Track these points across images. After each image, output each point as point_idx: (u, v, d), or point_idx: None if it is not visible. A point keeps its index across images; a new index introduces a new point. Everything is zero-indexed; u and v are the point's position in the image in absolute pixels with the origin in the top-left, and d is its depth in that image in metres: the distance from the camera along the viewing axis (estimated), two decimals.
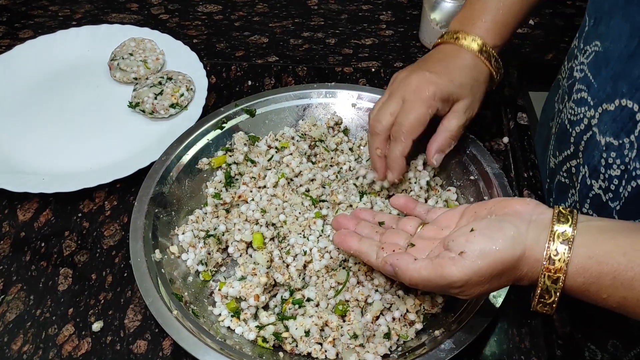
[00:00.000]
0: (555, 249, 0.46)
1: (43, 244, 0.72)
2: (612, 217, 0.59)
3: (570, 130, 0.65)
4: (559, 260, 0.46)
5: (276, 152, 0.77)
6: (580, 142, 0.63)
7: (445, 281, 0.48)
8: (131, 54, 0.91)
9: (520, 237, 0.47)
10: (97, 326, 0.64)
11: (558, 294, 0.47)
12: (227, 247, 0.69)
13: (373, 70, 0.94)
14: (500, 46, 0.70)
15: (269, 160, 0.76)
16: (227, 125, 0.79)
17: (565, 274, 0.46)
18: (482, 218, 0.52)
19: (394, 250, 0.55)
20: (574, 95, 0.64)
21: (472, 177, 0.72)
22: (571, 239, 0.46)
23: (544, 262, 0.46)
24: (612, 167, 0.57)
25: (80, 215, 0.75)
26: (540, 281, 0.47)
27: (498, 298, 0.59)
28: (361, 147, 0.79)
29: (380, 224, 0.62)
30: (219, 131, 0.78)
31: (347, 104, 0.82)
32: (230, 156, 0.76)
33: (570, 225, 0.47)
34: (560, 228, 0.47)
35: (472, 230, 0.49)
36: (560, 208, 0.48)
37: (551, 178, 0.75)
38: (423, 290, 0.55)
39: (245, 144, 0.76)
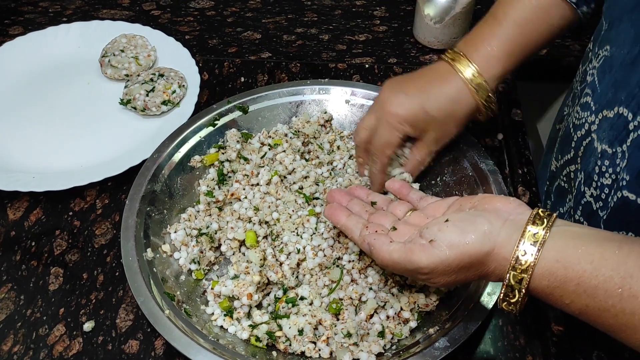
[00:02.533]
0: (524, 250, 0.46)
1: (33, 243, 0.71)
2: (600, 226, 0.58)
3: (573, 134, 0.64)
4: (526, 261, 0.46)
5: (269, 149, 0.76)
6: (580, 148, 0.63)
7: (412, 266, 0.50)
8: (122, 51, 0.90)
9: (492, 234, 0.48)
10: (88, 326, 0.63)
11: (522, 294, 0.47)
12: (219, 245, 0.69)
13: (367, 66, 0.93)
14: (500, 77, 0.67)
15: (262, 157, 0.75)
16: (220, 123, 0.78)
17: (531, 275, 0.46)
18: (463, 211, 0.53)
19: (376, 231, 0.56)
20: (581, 99, 0.63)
21: (466, 174, 0.72)
22: (542, 242, 0.46)
23: (512, 261, 0.47)
24: (604, 176, 0.57)
25: (71, 213, 0.74)
26: (506, 279, 0.47)
27: (492, 296, 0.58)
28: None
29: (373, 204, 0.63)
30: (211, 128, 0.77)
31: (340, 101, 0.81)
32: (223, 153, 0.75)
33: (543, 228, 0.47)
34: (533, 229, 0.47)
35: (446, 220, 0.50)
36: (539, 210, 0.48)
37: (551, 181, 0.75)
38: (393, 272, 0.57)
39: (238, 141, 0.76)
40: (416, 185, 0.73)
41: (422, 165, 0.71)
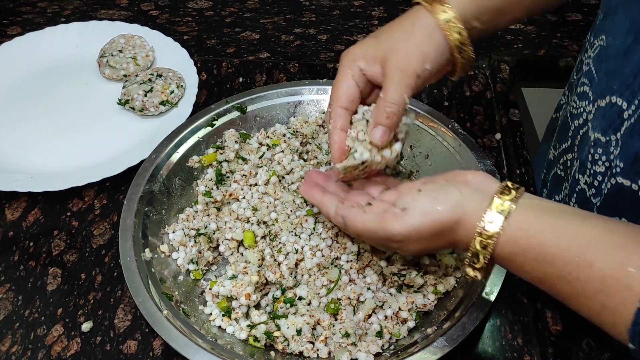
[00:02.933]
0: (492, 218, 0.48)
1: (32, 244, 0.71)
2: (593, 212, 0.58)
3: (570, 123, 0.65)
4: (492, 228, 0.48)
5: (267, 149, 0.76)
6: (576, 136, 0.63)
7: (386, 233, 0.51)
8: (120, 51, 0.90)
9: (462, 203, 0.50)
10: (86, 326, 0.63)
11: (486, 260, 0.49)
12: (218, 245, 0.69)
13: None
14: (479, 29, 0.60)
15: (260, 157, 0.75)
16: (218, 123, 0.78)
17: (496, 242, 0.48)
18: (435, 183, 0.55)
19: (352, 206, 0.57)
20: (578, 88, 0.64)
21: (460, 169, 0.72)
22: (508, 211, 0.48)
23: (479, 229, 0.48)
24: (598, 163, 0.58)
25: (69, 214, 0.74)
26: (472, 245, 0.49)
27: (491, 295, 0.59)
28: None
29: (349, 185, 0.64)
30: (209, 128, 0.77)
31: None
32: (221, 154, 0.75)
33: (510, 199, 0.48)
34: (500, 199, 0.49)
35: (419, 190, 0.52)
36: (509, 183, 0.50)
37: (548, 169, 0.76)
38: (368, 243, 0.58)
39: (236, 142, 0.76)
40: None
41: (393, 112, 0.56)
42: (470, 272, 0.51)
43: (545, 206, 0.49)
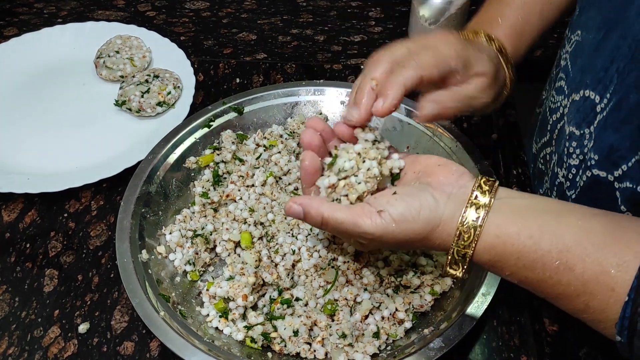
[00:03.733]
0: (467, 227, 0.48)
1: (28, 245, 0.71)
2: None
3: (549, 117, 0.66)
4: (468, 237, 0.48)
5: (264, 150, 0.76)
6: (554, 130, 0.64)
7: (357, 230, 0.49)
8: (117, 52, 0.90)
9: (437, 210, 0.49)
10: (83, 328, 0.63)
11: (466, 266, 0.49)
12: (215, 246, 0.69)
13: (362, 67, 0.93)
14: (513, 57, 0.64)
15: (257, 158, 0.75)
16: (215, 124, 0.78)
17: (474, 250, 0.48)
18: (407, 182, 0.53)
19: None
20: (556, 83, 0.65)
21: None
22: (483, 217, 0.47)
23: (455, 237, 0.48)
24: (572, 157, 0.58)
25: (66, 215, 0.74)
26: (450, 253, 0.49)
27: (487, 296, 0.59)
28: None
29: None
30: (206, 129, 0.77)
31: (335, 102, 0.81)
32: (218, 155, 0.75)
33: (484, 205, 0.48)
34: (475, 205, 0.48)
35: (394, 193, 0.50)
36: (482, 181, 0.49)
37: (533, 164, 0.77)
38: (332, 233, 0.55)
39: (233, 143, 0.76)
40: None
41: (455, 103, 0.57)
42: (451, 273, 0.51)
43: (519, 205, 0.48)
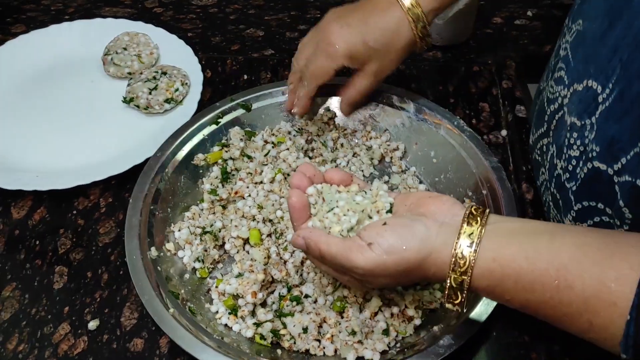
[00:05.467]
0: (461, 253, 0.47)
1: (38, 242, 0.71)
2: (569, 197, 0.58)
3: (546, 108, 0.65)
4: (464, 263, 0.47)
5: (272, 147, 0.76)
6: (552, 121, 0.63)
7: (349, 264, 0.50)
8: (125, 49, 0.90)
9: (429, 239, 0.49)
10: (93, 324, 0.63)
11: (464, 295, 0.48)
12: (223, 243, 0.69)
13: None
14: (437, 9, 0.68)
15: (265, 155, 0.75)
16: (223, 120, 0.78)
17: (471, 276, 0.47)
18: (399, 214, 0.54)
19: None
20: (555, 73, 0.64)
21: (470, 171, 0.71)
22: (477, 242, 0.47)
23: (451, 264, 0.48)
24: (573, 148, 0.57)
25: (75, 212, 0.74)
26: (447, 282, 0.48)
27: None
28: (355, 140, 0.79)
29: None
30: (214, 126, 0.77)
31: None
32: (227, 152, 0.75)
33: (477, 228, 0.48)
34: (467, 231, 0.48)
35: (384, 224, 0.51)
36: (472, 209, 0.49)
37: (531, 155, 0.76)
38: (329, 273, 0.56)
39: (241, 139, 0.76)
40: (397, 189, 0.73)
41: (360, 95, 0.74)
42: (450, 306, 0.50)
43: (513, 229, 0.48)
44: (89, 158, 0.79)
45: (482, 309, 0.57)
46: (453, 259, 0.47)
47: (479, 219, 0.48)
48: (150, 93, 0.83)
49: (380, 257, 0.49)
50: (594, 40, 0.56)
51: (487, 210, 0.50)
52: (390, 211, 0.55)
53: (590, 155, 0.54)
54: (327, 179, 0.59)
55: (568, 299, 0.44)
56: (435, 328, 0.59)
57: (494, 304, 0.58)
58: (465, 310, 0.51)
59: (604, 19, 0.54)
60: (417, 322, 0.61)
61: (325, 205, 0.56)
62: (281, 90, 0.81)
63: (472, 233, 0.48)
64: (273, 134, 0.78)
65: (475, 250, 0.47)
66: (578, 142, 0.57)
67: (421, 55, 0.95)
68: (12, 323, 0.64)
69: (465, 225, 0.48)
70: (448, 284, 0.48)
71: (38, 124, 0.85)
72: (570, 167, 0.58)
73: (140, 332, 0.63)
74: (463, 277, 0.47)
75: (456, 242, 0.48)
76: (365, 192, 0.57)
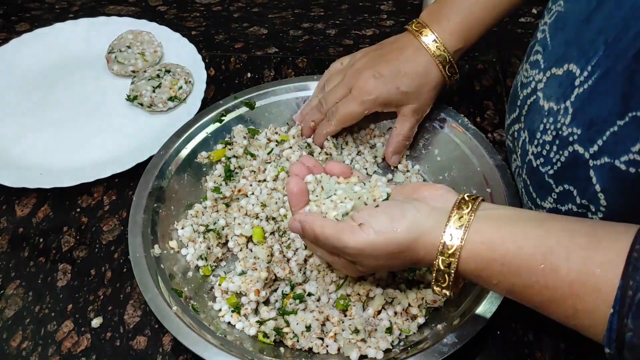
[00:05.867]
0: (451, 234, 0.48)
1: (41, 240, 0.71)
2: (545, 181, 0.58)
3: (519, 92, 0.64)
4: (452, 245, 0.48)
5: (276, 145, 0.76)
6: (524, 106, 0.62)
7: (340, 244, 0.51)
8: (129, 47, 0.90)
9: (419, 221, 0.49)
10: (96, 322, 0.63)
11: (451, 277, 0.49)
12: (227, 241, 0.69)
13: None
14: (462, 49, 0.71)
15: (268, 153, 0.75)
16: (227, 118, 0.78)
17: (459, 259, 0.48)
18: (394, 199, 0.55)
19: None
20: (531, 57, 0.63)
21: (474, 169, 0.71)
22: (466, 225, 0.48)
23: (439, 246, 0.48)
24: (547, 133, 0.57)
25: (78, 210, 0.74)
26: (435, 265, 0.49)
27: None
28: (361, 138, 0.79)
29: None
30: (218, 124, 0.77)
31: None
32: (230, 149, 0.75)
33: (468, 213, 0.48)
34: (458, 214, 0.48)
35: (377, 206, 0.52)
36: (465, 195, 0.50)
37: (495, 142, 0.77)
38: (322, 257, 0.58)
39: (244, 137, 0.76)
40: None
41: (408, 141, 0.75)
42: (438, 291, 0.51)
43: (503, 215, 0.49)
44: (93, 156, 0.79)
45: (486, 307, 0.57)
46: (442, 241, 0.48)
47: (470, 204, 0.49)
48: (153, 91, 0.83)
49: (370, 237, 0.50)
50: (577, 22, 0.54)
51: (480, 198, 0.50)
52: (387, 200, 0.56)
53: (569, 139, 0.53)
54: (327, 170, 0.60)
55: (553, 283, 0.44)
56: (439, 326, 0.59)
57: (498, 302, 0.57)
58: (452, 295, 0.51)
59: (590, 0, 0.53)
60: (421, 320, 0.61)
61: (323, 193, 0.57)
62: (285, 88, 0.80)
63: (462, 217, 0.48)
64: (276, 132, 0.77)
65: (464, 233, 0.47)
66: (552, 127, 0.56)
67: None
68: (15, 320, 0.64)
69: (456, 209, 0.49)
70: (436, 267, 0.49)
71: (42, 122, 0.85)
72: (544, 152, 0.57)
73: (143, 330, 0.63)
74: (451, 259, 0.48)
75: (446, 225, 0.48)
76: (364, 184, 0.58)
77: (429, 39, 0.70)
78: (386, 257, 0.51)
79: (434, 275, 0.50)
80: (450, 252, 0.48)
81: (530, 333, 0.61)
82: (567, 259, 0.43)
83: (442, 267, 0.49)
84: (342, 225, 0.52)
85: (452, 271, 0.48)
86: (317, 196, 0.58)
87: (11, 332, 0.63)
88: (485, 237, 0.47)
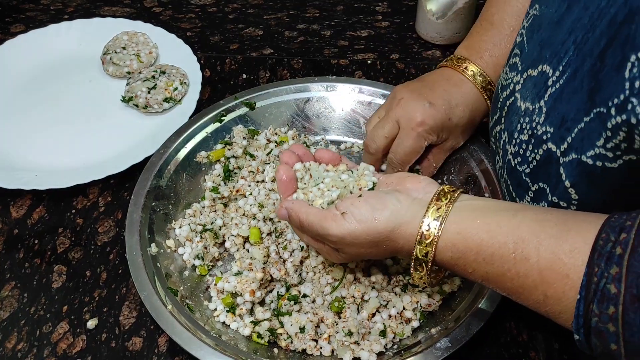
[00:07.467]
0: (428, 225, 0.50)
1: (36, 241, 0.71)
2: (522, 180, 0.59)
3: (500, 95, 0.65)
4: (430, 234, 0.49)
5: (275, 146, 0.76)
6: (504, 108, 0.64)
7: (323, 231, 0.53)
8: (124, 48, 0.90)
9: (399, 212, 0.51)
10: (91, 323, 0.63)
11: (428, 266, 0.51)
12: (224, 241, 0.69)
13: (369, 62, 0.93)
14: (496, 80, 0.70)
15: (268, 154, 0.75)
16: (226, 119, 0.78)
17: (435, 248, 0.49)
18: (377, 190, 0.56)
19: None
20: (510, 60, 0.64)
21: (472, 173, 0.72)
22: (444, 216, 0.49)
23: (417, 236, 0.50)
24: (523, 132, 0.58)
25: (73, 211, 0.74)
26: (414, 253, 0.51)
27: (497, 295, 0.58)
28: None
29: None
30: (218, 124, 0.77)
31: (346, 97, 0.81)
32: (229, 150, 0.75)
33: (446, 204, 0.50)
34: (436, 206, 0.50)
35: (359, 196, 0.54)
36: (445, 187, 0.52)
37: (488, 143, 0.77)
38: (309, 243, 0.59)
39: (244, 138, 0.76)
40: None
41: (435, 170, 0.74)
42: (417, 280, 0.53)
43: (479, 206, 0.50)
44: (88, 157, 0.79)
45: (481, 312, 0.58)
46: (420, 232, 0.50)
47: (449, 196, 0.51)
48: (149, 92, 0.83)
49: (351, 226, 0.51)
50: (551, 24, 0.56)
51: (460, 190, 0.52)
52: (372, 189, 0.57)
53: (544, 137, 0.54)
54: (317, 157, 0.62)
55: (524, 271, 0.45)
56: (433, 330, 0.59)
57: (493, 307, 0.58)
58: (431, 283, 0.53)
59: (562, 3, 0.54)
60: (415, 324, 0.61)
61: (312, 181, 0.59)
62: (285, 89, 0.81)
63: (439, 208, 0.50)
64: (276, 133, 0.78)
65: (441, 223, 0.49)
66: (528, 126, 0.57)
67: (421, 54, 0.95)
68: (11, 322, 0.64)
69: (435, 201, 0.51)
70: (414, 256, 0.51)
71: (37, 124, 0.85)
72: (521, 151, 0.59)
73: (138, 331, 0.63)
74: (428, 248, 0.50)
75: (424, 216, 0.50)
76: (352, 172, 0.59)
77: (474, 72, 0.69)
78: (367, 245, 0.53)
79: (412, 264, 0.51)
80: (427, 241, 0.49)
81: (524, 333, 0.62)
82: (538, 247, 0.45)
83: (419, 256, 0.50)
84: (325, 213, 0.54)
85: (430, 260, 0.50)
86: (305, 184, 0.59)
87: (6, 334, 0.63)
88: (461, 227, 0.49)
